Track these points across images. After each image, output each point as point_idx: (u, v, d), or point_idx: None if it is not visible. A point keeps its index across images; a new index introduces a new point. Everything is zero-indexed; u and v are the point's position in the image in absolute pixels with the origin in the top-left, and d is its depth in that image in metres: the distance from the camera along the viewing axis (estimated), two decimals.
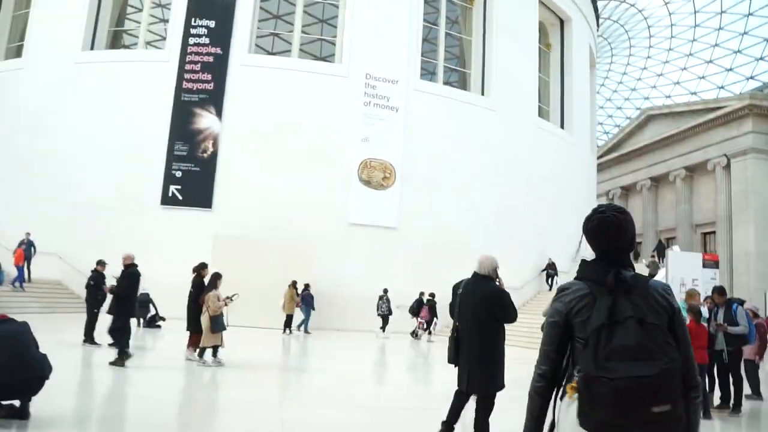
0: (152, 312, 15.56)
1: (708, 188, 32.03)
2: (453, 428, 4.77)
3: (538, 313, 15.04)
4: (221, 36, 20.07)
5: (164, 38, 21.92)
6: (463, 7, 24.90)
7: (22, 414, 4.76)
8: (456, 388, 4.77)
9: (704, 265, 16.53)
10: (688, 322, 6.72)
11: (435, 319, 17.93)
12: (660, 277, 16.67)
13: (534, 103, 24.70)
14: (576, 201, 25.69)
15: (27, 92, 20.78)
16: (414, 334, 18.15)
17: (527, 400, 2.02)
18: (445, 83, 23.46)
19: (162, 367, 9.12)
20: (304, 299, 16.84)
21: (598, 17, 32.91)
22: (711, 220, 31.54)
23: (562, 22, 27.59)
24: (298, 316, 16.95)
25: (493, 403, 4.61)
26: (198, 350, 9.14)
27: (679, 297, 9.24)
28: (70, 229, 18.78)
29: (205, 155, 19.51)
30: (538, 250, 22.57)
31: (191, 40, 20.06)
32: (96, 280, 10.85)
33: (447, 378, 6.07)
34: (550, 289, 21.60)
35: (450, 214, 20.70)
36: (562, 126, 26.68)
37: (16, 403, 4.78)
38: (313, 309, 17.08)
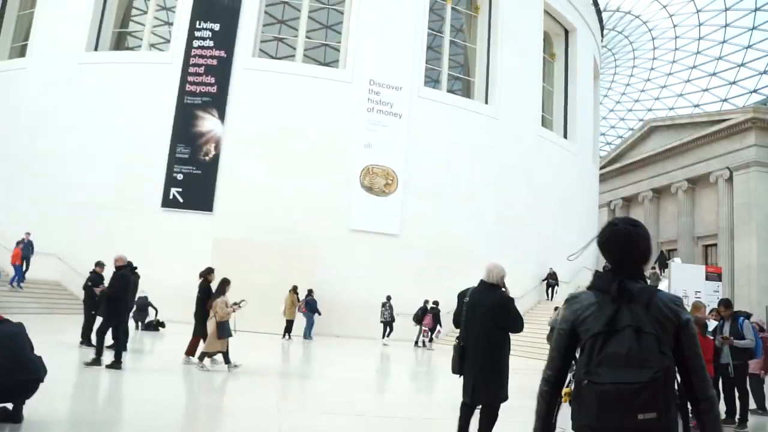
0: (151, 316, 15.45)
1: (710, 201, 31.96)
2: None
3: (537, 323, 14.93)
4: (225, 39, 20.07)
5: (168, 41, 21.91)
6: (468, 16, 24.94)
7: (15, 417, 4.63)
8: (460, 399, 4.67)
9: (707, 278, 16.36)
10: None
11: (438, 326, 17.69)
12: (662, 289, 16.50)
13: (537, 112, 24.70)
14: (578, 210, 25.64)
15: (28, 92, 20.77)
16: (420, 344, 17.77)
17: (535, 403, 2.11)
18: (449, 91, 23.41)
19: (160, 370, 9.02)
20: (309, 305, 16.71)
21: (602, 28, 33.01)
22: (713, 233, 31.44)
23: (566, 32, 27.65)
24: (299, 321, 16.73)
25: (497, 414, 4.58)
26: (200, 355, 9.03)
27: None
28: (69, 229, 18.73)
29: (206, 158, 19.46)
30: (539, 259, 22.49)
31: (195, 43, 20.08)
32: (94, 281, 10.76)
33: (449, 387, 5.97)
34: (550, 300, 21.46)
35: (453, 222, 20.62)
36: (565, 136, 26.69)
37: (9, 406, 4.67)
38: (319, 314, 16.94)
